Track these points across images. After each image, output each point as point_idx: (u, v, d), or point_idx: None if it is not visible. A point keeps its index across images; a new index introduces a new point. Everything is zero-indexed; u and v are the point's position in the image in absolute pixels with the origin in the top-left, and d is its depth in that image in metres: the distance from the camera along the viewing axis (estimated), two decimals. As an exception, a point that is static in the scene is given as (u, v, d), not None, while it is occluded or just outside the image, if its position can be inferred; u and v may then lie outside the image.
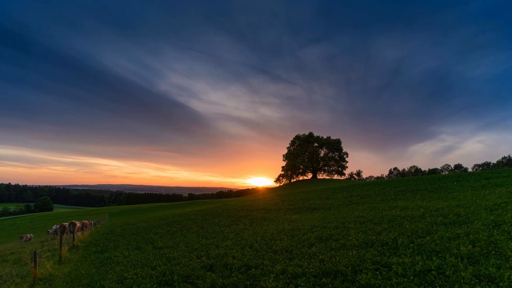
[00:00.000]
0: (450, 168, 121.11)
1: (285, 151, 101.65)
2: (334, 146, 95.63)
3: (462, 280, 4.56)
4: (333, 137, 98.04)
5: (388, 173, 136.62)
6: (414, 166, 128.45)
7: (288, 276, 6.18)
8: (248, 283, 6.15)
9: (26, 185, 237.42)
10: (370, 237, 8.40)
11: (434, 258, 5.72)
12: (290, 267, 6.61)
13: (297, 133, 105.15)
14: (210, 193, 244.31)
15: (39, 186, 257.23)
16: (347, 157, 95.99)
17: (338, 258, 6.78)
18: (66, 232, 23.59)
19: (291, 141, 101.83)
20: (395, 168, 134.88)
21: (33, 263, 9.53)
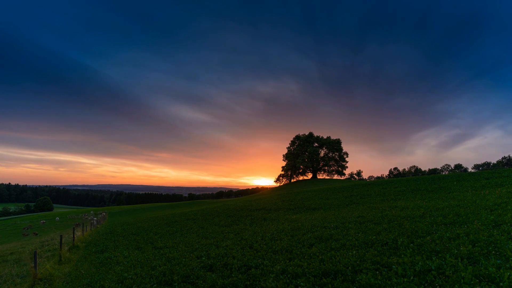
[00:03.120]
0: (450, 168, 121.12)
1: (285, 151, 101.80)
2: (334, 146, 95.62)
3: (462, 280, 4.56)
4: (333, 137, 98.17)
5: (388, 173, 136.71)
6: (414, 166, 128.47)
7: (288, 276, 6.18)
8: (248, 283, 6.15)
9: (26, 185, 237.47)
10: (370, 237, 8.40)
11: (434, 258, 5.72)
12: (290, 267, 6.60)
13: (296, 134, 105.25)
14: (210, 193, 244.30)
15: (39, 186, 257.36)
16: (347, 157, 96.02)
17: (338, 258, 6.78)
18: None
19: (291, 141, 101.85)
20: (395, 168, 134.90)
21: (33, 263, 9.53)
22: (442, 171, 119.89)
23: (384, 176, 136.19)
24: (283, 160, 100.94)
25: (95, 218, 37.70)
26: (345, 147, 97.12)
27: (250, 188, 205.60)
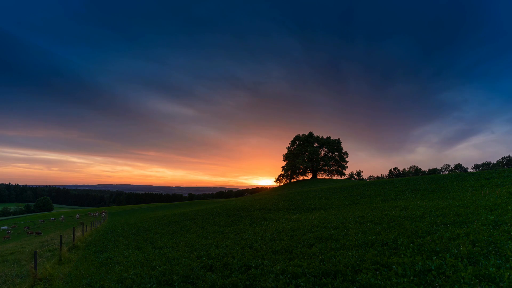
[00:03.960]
0: (450, 168, 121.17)
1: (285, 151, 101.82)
2: (334, 146, 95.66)
3: (462, 280, 4.56)
4: (327, 135, 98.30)
5: (388, 173, 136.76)
6: (414, 166, 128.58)
7: (288, 276, 6.18)
8: (248, 283, 6.14)
9: (26, 185, 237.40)
10: (370, 237, 8.40)
11: (434, 258, 5.72)
12: (290, 267, 6.60)
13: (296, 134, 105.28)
14: (210, 193, 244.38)
15: (39, 186, 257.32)
16: (347, 157, 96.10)
17: (338, 258, 6.78)
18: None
19: (291, 141, 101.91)
20: (395, 168, 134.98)
21: (33, 263, 9.52)
22: (442, 171, 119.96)
23: (384, 176, 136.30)
24: (283, 160, 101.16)
25: (103, 214, 37.81)
26: (341, 145, 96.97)
27: (250, 188, 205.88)
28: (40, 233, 34.21)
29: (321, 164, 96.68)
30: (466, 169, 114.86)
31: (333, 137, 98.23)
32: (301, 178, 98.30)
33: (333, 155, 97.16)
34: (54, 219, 56.37)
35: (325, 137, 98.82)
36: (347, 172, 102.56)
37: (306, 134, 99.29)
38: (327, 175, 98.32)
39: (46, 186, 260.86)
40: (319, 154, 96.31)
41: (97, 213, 53.49)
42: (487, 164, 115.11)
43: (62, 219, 53.69)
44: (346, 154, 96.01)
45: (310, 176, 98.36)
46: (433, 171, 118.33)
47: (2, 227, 50.31)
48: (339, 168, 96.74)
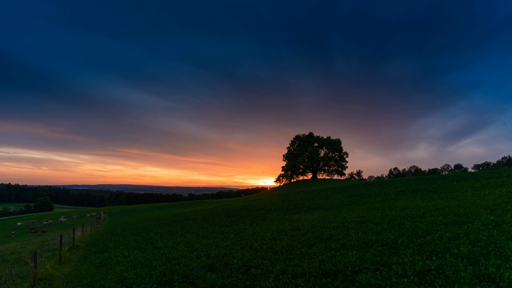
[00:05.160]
0: (450, 168, 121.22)
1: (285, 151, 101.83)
2: (334, 146, 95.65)
3: (462, 280, 4.56)
4: (333, 137, 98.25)
5: (388, 173, 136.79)
6: (414, 166, 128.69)
7: (288, 276, 6.18)
8: (248, 283, 6.15)
9: (26, 185, 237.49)
10: (370, 237, 8.40)
11: (434, 258, 5.72)
12: (290, 267, 6.60)
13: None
14: (210, 193, 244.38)
15: (39, 186, 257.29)
16: (347, 157, 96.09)
17: (338, 258, 6.78)
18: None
19: (291, 141, 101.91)
20: (395, 168, 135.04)
21: (33, 263, 9.53)
22: (442, 171, 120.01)
23: (384, 176, 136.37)
24: (283, 160, 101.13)
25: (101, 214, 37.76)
26: (341, 145, 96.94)
27: (250, 188, 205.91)
28: (45, 231, 34.45)
29: (321, 164, 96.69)
30: (466, 169, 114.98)
31: (322, 131, 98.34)
32: (301, 178, 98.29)
33: (333, 155, 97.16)
34: (65, 219, 56.55)
35: (325, 137, 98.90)
36: (347, 172, 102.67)
37: (306, 134, 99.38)
38: (327, 175, 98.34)
39: (46, 186, 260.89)
40: (319, 154, 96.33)
41: (94, 214, 53.67)
42: (487, 164, 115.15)
43: (63, 219, 53.86)
44: (346, 154, 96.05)
45: (310, 176, 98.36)
46: (433, 171, 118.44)
47: (18, 223, 52.73)
48: (339, 168, 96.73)
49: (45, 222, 38.71)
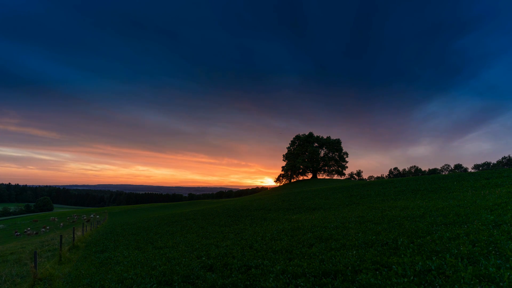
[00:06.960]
0: (450, 168, 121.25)
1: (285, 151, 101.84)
2: (334, 146, 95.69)
3: (462, 280, 4.56)
4: (333, 137, 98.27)
5: (388, 173, 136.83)
6: (414, 166, 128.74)
7: (288, 276, 6.18)
8: (248, 283, 6.15)
9: (26, 185, 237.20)
10: (370, 237, 8.40)
11: (434, 258, 5.72)
12: (290, 267, 6.60)
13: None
14: (210, 193, 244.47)
15: (39, 186, 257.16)
16: (347, 157, 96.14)
17: (338, 258, 6.78)
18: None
19: (291, 141, 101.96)
20: (395, 168, 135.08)
21: (33, 263, 9.53)
22: (442, 171, 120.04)
23: (384, 176, 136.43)
24: (283, 160, 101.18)
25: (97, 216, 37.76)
26: (341, 145, 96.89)
27: (250, 188, 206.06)
28: (49, 228, 34.83)
29: (321, 164, 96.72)
30: (466, 169, 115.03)
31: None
32: (301, 178, 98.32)
33: (333, 155, 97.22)
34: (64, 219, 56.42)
35: (325, 137, 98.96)
36: (347, 172, 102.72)
37: (306, 134, 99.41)
38: (327, 175, 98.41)
39: (46, 186, 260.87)
40: (319, 154, 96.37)
41: (92, 215, 53.36)
42: (487, 164, 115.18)
43: (56, 219, 54.12)
44: (346, 154, 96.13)
45: (310, 176, 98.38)
46: (433, 171, 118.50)
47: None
48: (339, 168, 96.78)
49: (43, 229, 38.70)
